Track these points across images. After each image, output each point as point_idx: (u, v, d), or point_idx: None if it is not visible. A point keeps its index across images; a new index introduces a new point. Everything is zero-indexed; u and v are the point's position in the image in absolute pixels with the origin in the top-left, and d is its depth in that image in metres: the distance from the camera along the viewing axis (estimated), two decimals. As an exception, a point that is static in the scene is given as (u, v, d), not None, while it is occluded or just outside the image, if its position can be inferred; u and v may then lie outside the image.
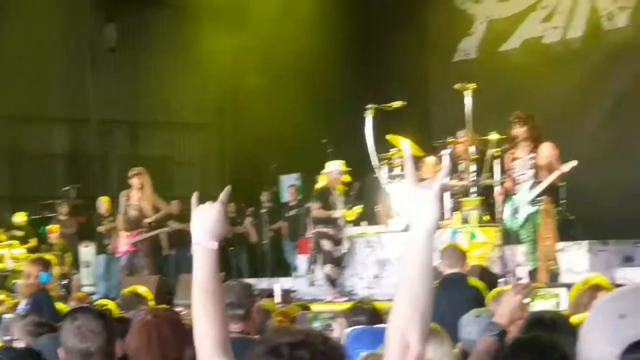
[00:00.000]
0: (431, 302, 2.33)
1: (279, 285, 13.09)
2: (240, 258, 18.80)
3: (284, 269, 16.99)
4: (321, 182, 13.33)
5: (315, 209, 13.17)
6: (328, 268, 12.98)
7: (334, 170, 13.07)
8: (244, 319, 5.17)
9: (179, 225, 18.13)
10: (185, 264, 18.52)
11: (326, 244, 12.96)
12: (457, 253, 8.47)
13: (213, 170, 21.03)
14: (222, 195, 2.83)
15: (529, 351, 3.62)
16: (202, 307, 2.76)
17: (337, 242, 13.01)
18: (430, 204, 2.33)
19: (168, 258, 18.27)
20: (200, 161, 21.07)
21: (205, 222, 2.77)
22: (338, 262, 13.04)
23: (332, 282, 13.00)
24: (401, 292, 2.33)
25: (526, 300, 4.50)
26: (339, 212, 12.99)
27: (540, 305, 6.44)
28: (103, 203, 17.07)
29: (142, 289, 8.32)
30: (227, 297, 5.73)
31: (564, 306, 6.64)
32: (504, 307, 4.37)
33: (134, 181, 14.18)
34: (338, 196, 13.12)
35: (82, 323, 3.97)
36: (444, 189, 2.37)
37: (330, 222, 13.02)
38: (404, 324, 2.30)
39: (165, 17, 20.42)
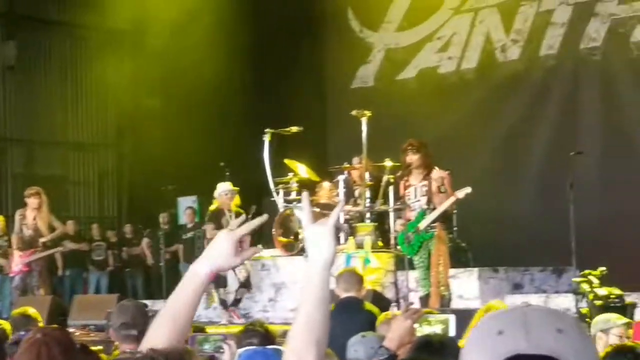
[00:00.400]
0: (327, 329, 2.45)
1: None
2: (136, 279, 18.70)
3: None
4: (214, 204, 13.31)
5: (209, 230, 13.12)
6: (222, 291, 12.94)
7: (222, 191, 13.01)
8: (137, 339, 5.17)
9: (74, 246, 17.96)
10: (80, 285, 18.33)
11: None
12: (354, 278, 8.54)
13: (110, 191, 20.84)
14: (244, 230, 2.81)
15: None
16: (165, 320, 2.80)
17: None
18: (326, 240, 2.47)
19: (63, 278, 18.04)
20: (98, 182, 20.83)
21: (215, 248, 2.78)
22: (244, 285, 12.94)
23: (231, 304, 12.93)
24: (299, 319, 2.44)
25: (416, 326, 4.60)
26: None
27: (428, 330, 6.57)
28: (-2, 221, 16.77)
29: (32, 310, 8.19)
30: (121, 317, 5.75)
31: (452, 332, 6.79)
32: (394, 332, 4.46)
33: (31, 200, 13.99)
34: (232, 217, 13.08)
35: (-29, 342, 3.95)
36: (338, 227, 2.51)
37: None
38: (301, 349, 2.41)
39: (66, 37, 20.24)
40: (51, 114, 20.02)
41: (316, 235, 2.48)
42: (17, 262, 14.06)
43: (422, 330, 5.81)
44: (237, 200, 13.06)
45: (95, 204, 20.66)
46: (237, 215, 13.04)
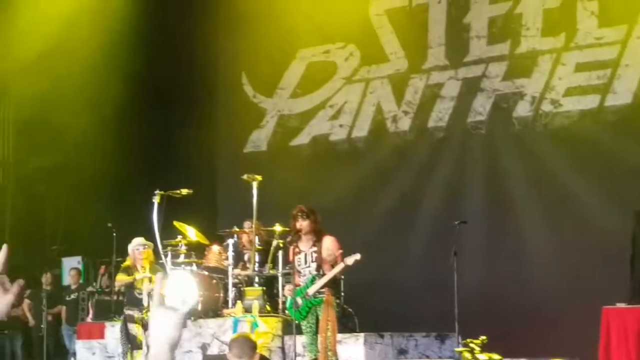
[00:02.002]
0: None
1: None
2: (15, 342, 18.07)
3: (61, 354, 16.52)
4: (127, 261, 12.88)
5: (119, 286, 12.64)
6: (137, 354, 12.31)
7: (134, 246, 12.57)
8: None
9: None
10: None
11: (133, 328, 12.40)
12: (247, 344, 8.49)
13: (-9, 249, 20.20)
14: None
15: None
16: None
17: (145, 325, 12.25)
18: (176, 325, 2.48)
19: None
20: (-23, 241, 20.16)
21: None
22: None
23: None
24: None
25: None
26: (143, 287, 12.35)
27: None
28: None
29: None
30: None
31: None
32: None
33: None
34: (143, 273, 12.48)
35: None
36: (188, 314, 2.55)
37: (136, 303, 12.37)
38: None
39: None
40: None
41: (167, 318, 2.49)
42: None
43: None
44: (150, 255, 12.59)
45: (-25, 264, 20.02)
46: (151, 270, 12.56)
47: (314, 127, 17.32)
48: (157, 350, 2.48)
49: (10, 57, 17.88)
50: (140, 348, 12.31)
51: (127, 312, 12.42)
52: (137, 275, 12.41)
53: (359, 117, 16.90)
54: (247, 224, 13.63)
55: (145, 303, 12.29)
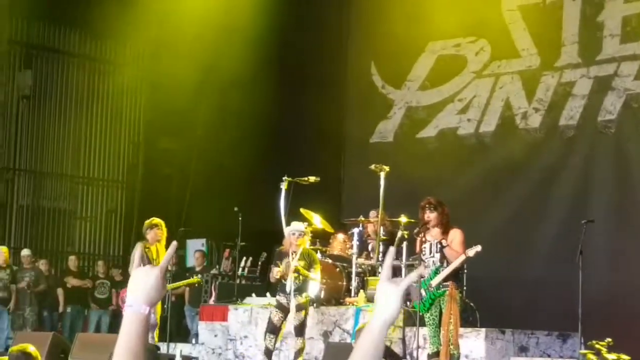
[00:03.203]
0: None
1: (179, 350, 12.96)
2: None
3: (183, 335, 16.78)
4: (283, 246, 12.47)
5: (273, 273, 12.32)
6: (267, 338, 12.19)
7: (290, 230, 12.24)
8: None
9: (76, 282, 17.88)
10: (80, 323, 18.12)
11: (274, 313, 12.17)
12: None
13: (118, 228, 20.74)
14: (164, 262, 2.75)
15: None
16: None
17: (284, 309, 12.17)
18: (394, 300, 2.50)
19: (64, 315, 17.89)
20: (105, 218, 20.74)
21: (143, 285, 2.67)
22: (299, 332, 12.18)
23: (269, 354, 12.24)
24: None
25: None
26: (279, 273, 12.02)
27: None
28: (2, 253, 16.73)
29: (31, 348, 7.83)
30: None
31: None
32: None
33: (156, 232, 13.11)
34: (294, 259, 12.11)
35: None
36: (409, 291, 2.54)
37: (284, 290, 12.13)
38: None
39: (83, 69, 20.31)
40: (63, 146, 20.04)
41: (387, 293, 2.51)
42: None
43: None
44: (304, 242, 12.20)
45: (101, 241, 20.56)
46: (306, 256, 12.16)
47: (442, 120, 17.29)
48: (375, 327, 2.50)
49: (144, 42, 18.33)
50: (277, 334, 12.19)
51: (277, 298, 12.35)
52: (280, 269, 12.23)
53: (488, 111, 16.82)
54: (372, 214, 13.67)
55: (288, 289, 12.13)
